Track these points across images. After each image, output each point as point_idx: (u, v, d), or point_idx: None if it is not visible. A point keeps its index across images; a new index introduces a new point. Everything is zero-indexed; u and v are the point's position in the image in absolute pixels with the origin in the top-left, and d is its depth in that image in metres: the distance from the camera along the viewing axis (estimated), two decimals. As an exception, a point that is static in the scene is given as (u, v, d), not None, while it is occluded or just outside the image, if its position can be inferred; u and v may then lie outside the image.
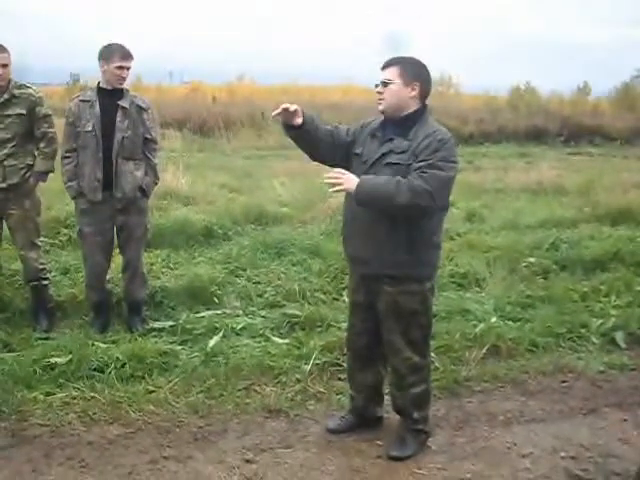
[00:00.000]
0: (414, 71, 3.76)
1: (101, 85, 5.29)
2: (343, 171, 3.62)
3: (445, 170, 3.60)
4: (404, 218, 3.66)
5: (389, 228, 3.68)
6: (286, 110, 3.70)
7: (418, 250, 3.73)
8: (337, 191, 3.68)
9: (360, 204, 3.64)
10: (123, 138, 5.21)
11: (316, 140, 3.86)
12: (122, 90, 5.29)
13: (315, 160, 4.08)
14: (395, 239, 3.68)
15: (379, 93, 3.75)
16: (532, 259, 7.29)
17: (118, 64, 5.15)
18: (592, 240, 8.00)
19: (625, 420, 4.45)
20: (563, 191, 11.65)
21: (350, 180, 3.58)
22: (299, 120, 3.75)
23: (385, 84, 3.71)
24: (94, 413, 4.25)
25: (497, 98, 29.68)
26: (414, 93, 3.74)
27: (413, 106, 3.75)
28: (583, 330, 5.72)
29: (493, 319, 5.67)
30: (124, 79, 5.25)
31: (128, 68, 5.22)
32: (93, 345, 4.99)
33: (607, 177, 12.69)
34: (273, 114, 3.76)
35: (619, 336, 5.65)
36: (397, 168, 3.61)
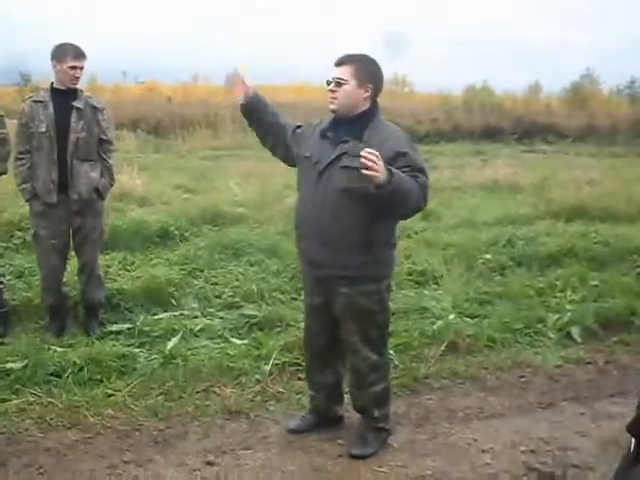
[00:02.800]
0: (368, 71, 3.72)
1: (55, 85, 5.21)
2: (378, 154, 3.36)
3: (427, 176, 3.66)
4: (365, 217, 3.61)
5: (347, 229, 3.64)
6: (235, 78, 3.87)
7: (375, 251, 3.72)
8: (369, 176, 3.32)
9: (380, 193, 3.38)
10: (78, 139, 5.13)
11: (266, 123, 3.95)
12: (76, 90, 5.21)
13: (267, 147, 4.12)
14: (353, 240, 3.65)
15: (332, 91, 3.69)
16: (489, 256, 7.35)
17: (71, 64, 5.07)
18: (547, 236, 8.12)
19: (582, 413, 4.52)
20: (518, 188, 11.79)
21: (384, 170, 3.34)
22: (248, 90, 3.88)
23: (339, 84, 3.66)
24: (51, 419, 4.19)
25: (452, 97, 29.92)
26: (367, 94, 3.70)
27: (364, 106, 3.72)
28: (540, 325, 5.79)
29: (451, 316, 5.70)
30: (77, 79, 5.17)
31: (81, 68, 5.14)
32: (49, 349, 4.91)
33: (561, 174, 12.86)
34: (225, 84, 3.90)
35: (575, 331, 5.72)
36: (352, 171, 3.49)
